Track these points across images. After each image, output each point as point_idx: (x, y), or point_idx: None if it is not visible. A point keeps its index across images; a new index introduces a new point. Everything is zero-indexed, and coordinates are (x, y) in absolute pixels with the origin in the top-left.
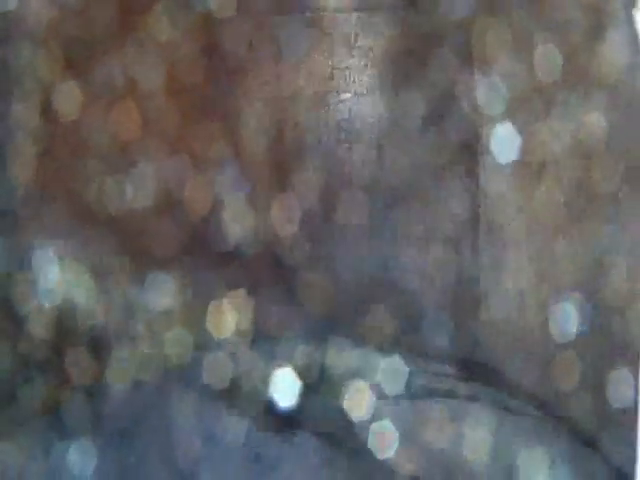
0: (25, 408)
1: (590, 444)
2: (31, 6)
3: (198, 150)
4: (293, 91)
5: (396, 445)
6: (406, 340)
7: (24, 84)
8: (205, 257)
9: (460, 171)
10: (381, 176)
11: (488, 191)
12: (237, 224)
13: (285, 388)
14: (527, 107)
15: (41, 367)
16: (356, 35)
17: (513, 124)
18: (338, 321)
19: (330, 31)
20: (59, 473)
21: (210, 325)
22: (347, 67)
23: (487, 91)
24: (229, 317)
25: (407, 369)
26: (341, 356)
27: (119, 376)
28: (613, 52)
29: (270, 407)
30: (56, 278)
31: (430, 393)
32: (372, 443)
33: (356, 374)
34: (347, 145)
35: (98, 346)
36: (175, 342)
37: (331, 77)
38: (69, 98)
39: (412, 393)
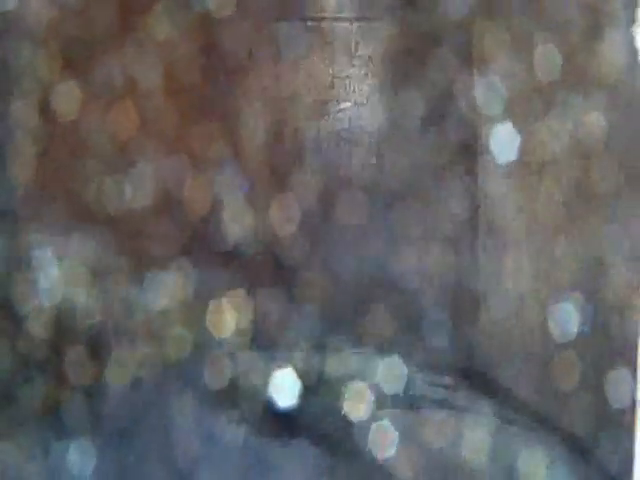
0: (25, 408)
1: (586, 453)
2: (31, 6)
3: (197, 150)
4: (293, 97)
5: (395, 446)
6: (405, 340)
7: (24, 84)
8: (204, 257)
9: (459, 171)
10: (381, 177)
11: (487, 191)
12: (236, 224)
13: (285, 388)
14: (526, 107)
15: (40, 367)
16: (356, 44)
17: (513, 124)
18: (337, 321)
19: (331, 40)
20: (58, 472)
21: (210, 324)
22: (347, 76)
23: (486, 91)
24: (229, 317)
25: (405, 370)
26: (340, 357)
27: (118, 375)
28: (612, 52)
29: (269, 407)
30: (55, 278)
31: (424, 402)
32: (372, 444)
33: (355, 375)
34: (347, 147)
35: (97, 346)
36: (174, 341)
37: (332, 86)
38: (68, 98)
39: (406, 403)
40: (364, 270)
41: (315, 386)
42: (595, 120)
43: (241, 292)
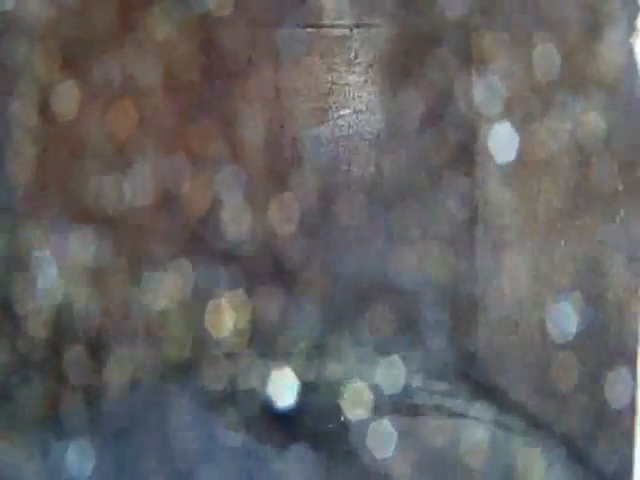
0: (23, 407)
1: (585, 456)
2: (29, 6)
3: (196, 150)
4: (292, 101)
5: (392, 451)
6: (404, 341)
7: (23, 83)
8: (203, 257)
9: (458, 172)
10: (380, 178)
11: (486, 192)
12: (235, 224)
13: (284, 388)
14: (525, 107)
15: (39, 367)
16: (356, 51)
17: (511, 124)
18: (336, 321)
19: (330, 47)
20: (57, 473)
21: (209, 324)
22: (347, 84)
23: (485, 92)
24: (227, 317)
25: (404, 370)
26: (339, 357)
27: (117, 376)
28: (611, 52)
29: (268, 408)
30: (54, 278)
31: (421, 409)
32: (369, 449)
33: (354, 376)
34: (348, 147)
35: (96, 346)
36: (173, 341)
37: (330, 92)
38: (67, 97)
39: (401, 409)
40: (363, 271)
41: (314, 386)
42: (594, 120)
43: (240, 292)
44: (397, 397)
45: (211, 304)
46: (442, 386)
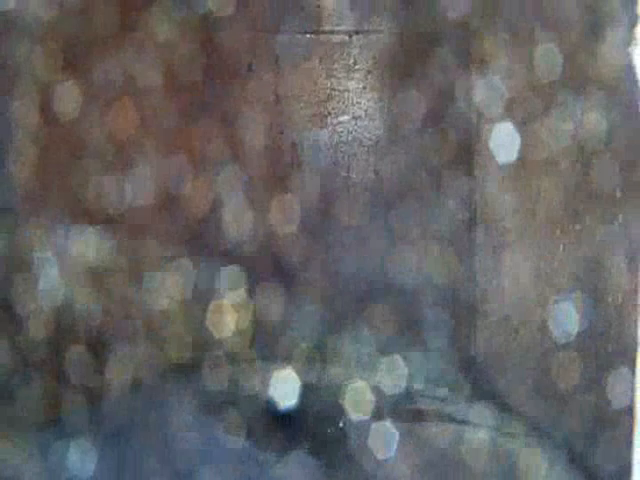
0: (24, 407)
1: (584, 460)
2: (30, 6)
3: (196, 151)
4: (292, 105)
5: (394, 449)
6: (404, 341)
7: (23, 83)
8: (204, 257)
9: (458, 172)
10: (380, 179)
11: (486, 192)
12: (236, 224)
13: (285, 388)
14: (525, 107)
15: (40, 367)
16: (355, 58)
17: (511, 124)
18: (337, 321)
19: (330, 53)
20: (58, 472)
21: (210, 325)
22: (346, 90)
23: (485, 92)
24: (229, 317)
25: (405, 370)
26: (340, 357)
27: (118, 376)
28: (611, 52)
29: (269, 408)
30: (55, 278)
31: (420, 414)
32: (370, 446)
33: (355, 375)
34: (348, 148)
35: (97, 346)
36: (174, 342)
37: (330, 98)
38: (68, 97)
39: (401, 413)
40: (364, 271)
41: (315, 386)
42: (594, 120)
43: (241, 292)
44: (397, 401)
45: (212, 304)
46: (442, 390)
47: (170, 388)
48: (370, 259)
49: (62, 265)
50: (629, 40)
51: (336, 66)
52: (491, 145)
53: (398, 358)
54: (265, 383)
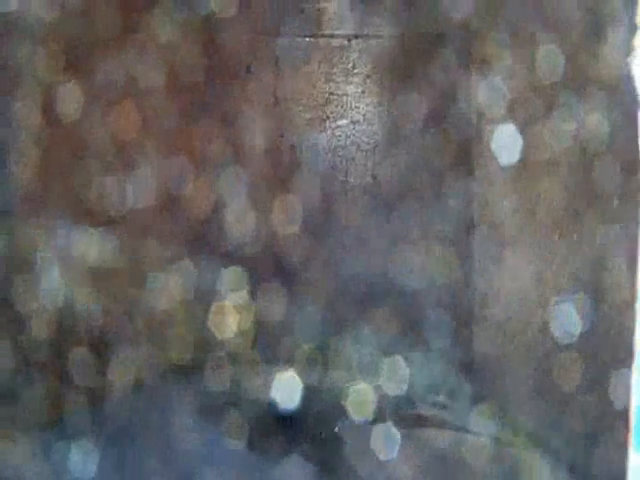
0: (26, 408)
1: (582, 472)
2: (32, 7)
3: (197, 152)
4: (292, 107)
5: (396, 449)
6: (406, 341)
7: (25, 84)
8: (206, 258)
9: (460, 173)
10: (381, 179)
11: (487, 193)
12: (239, 225)
13: (287, 389)
14: (526, 108)
15: (42, 367)
16: (354, 62)
17: (513, 125)
18: (339, 322)
19: (329, 56)
20: (60, 473)
21: (212, 326)
22: (345, 94)
23: (487, 93)
24: (231, 318)
25: (407, 372)
26: (342, 357)
27: (120, 377)
28: (612, 53)
29: (271, 410)
30: (57, 279)
31: (420, 420)
32: (372, 446)
33: (358, 375)
34: (349, 150)
35: (99, 347)
36: (177, 343)
37: (329, 102)
38: (70, 98)
39: (402, 419)
40: (365, 273)
41: (316, 388)
42: (596, 121)
43: (243, 293)
44: (398, 405)
45: (214, 305)
46: (443, 393)
47: (171, 389)
48: (370, 261)
49: (64, 266)
50: (628, 49)
51: (335, 70)
52: (492, 146)
53: (399, 360)
54: (267, 385)
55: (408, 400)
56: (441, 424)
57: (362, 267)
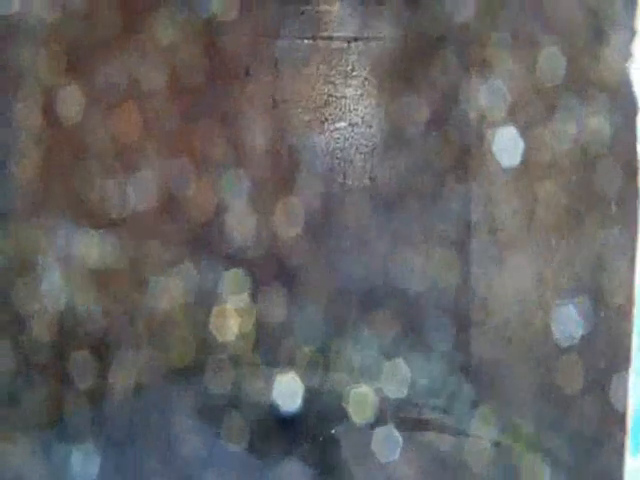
0: (28, 410)
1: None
2: (33, 9)
3: (195, 153)
4: (292, 110)
5: (398, 450)
6: (407, 343)
7: (27, 86)
8: (208, 261)
9: (459, 176)
10: (382, 182)
11: (488, 195)
12: (240, 228)
13: (288, 392)
14: (527, 111)
15: (43, 369)
16: (353, 64)
17: (514, 127)
18: (341, 323)
19: (328, 59)
20: (61, 474)
21: (213, 328)
22: (343, 97)
23: (487, 95)
24: (232, 320)
25: (409, 373)
26: (343, 359)
27: (121, 379)
28: (613, 56)
29: (272, 412)
30: (59, 281)
31: (420, 423)
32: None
33: (358, 377)
34: (349, 153)
35: (100, 349)
36: (177, 345)
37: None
38: (71, 100)
39: (402, 422)
40: (365, 273)
41: (317, 391)
42: (597, 124)
43: (245, 296)
44: (399, 409)
45: (215, 308)
46: (443, 396)
47: (173, 391)
48: (370, 263)
49: (65, 268)
50: (628, 53)
51: (334, 72)
52: (493, 149)
53: (400, 363)
54: (268, 387)
55: (409, 403)
56: (442, 427)
57: (361, 269)
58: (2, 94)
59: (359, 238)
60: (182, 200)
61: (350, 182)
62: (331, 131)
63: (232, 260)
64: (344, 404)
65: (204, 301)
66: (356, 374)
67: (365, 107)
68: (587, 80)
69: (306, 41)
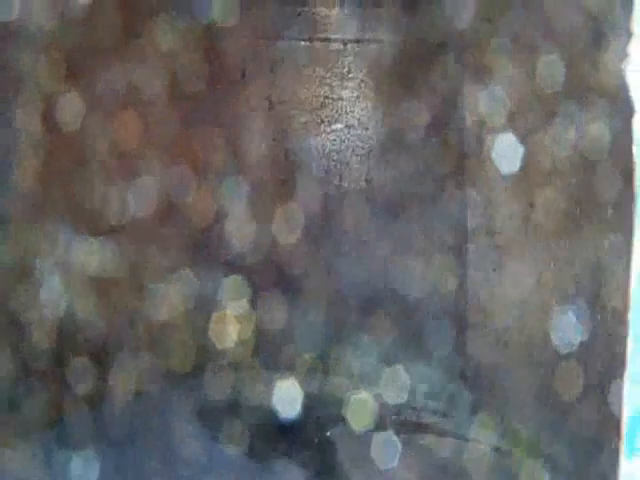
0: (28, 416)
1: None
2: (33, 15)
3: (199, 159)
4: (290, 112)
5: (398, 454)
6: (407, 349)
7: (26, 92)
8: (207, 267)
9: (456, 181)
10: (381, 188)
11: (486, 199)
12: (239, 235)
13: (287, 397)
14: (526, 117)
15: (43, 375)
16: (349, 66)
17: (513, 134)
18: (342, 329)
19: (324, 61)
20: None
21: (213, 334)
22: (340, 98)
23: (486, 100)
24: (231, 327)
25: (408, 379)
26: (342, 364)
27: (121, 385)
28: (612, 61)
29: (271, 417)
30: (58, 288)
31: (419, 428)
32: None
33: (359, 383)
34: (347, 158)
35: (100, 355)
36: (177, 351)
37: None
38: (71, 106)
39: (401, 427)
40: (364, 278)
41: (317, 397)
42: (596, 129)
43: (244, 302)
44: (398, 414)
45: (215, 315)
46: (442, 403)
47: (172, 397)
48: (369, 268)
49: (65, 274)
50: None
51: (330, 74)
52: (492, 155)
53: (399, 369)
54: (267, 393)
55: (408, 407)
56: (441, 432)
57: (359, 274)
58: (2, 100)
59: (356, 242)
60: (181, 206)
61: (346, 184)
62: (327, 133)
63: (231, 266)
64: (344, 409)
65: (204, 307)
66: (356, 379)
67: (361, 109)
68: (587, 86)
69: (303, 43)
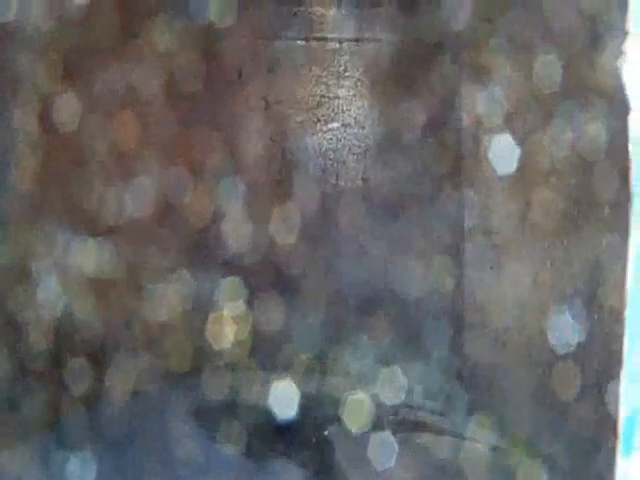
0: (26, 416)
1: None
2: (30, 17)
3: (196, 159)
4: (287, 111)
5: (395, 454)
6: (404, 350)
7: (24, 93)
8: (204, 268)
9: (453, 181)
10: (378, 189)
11: (484, 202)
12: (236, 235)
13: (284, 398)
14: (523, 117)
15: (40, 376)
16: (346, 65)
17: (510, 134)
18: (338, 329)
19: (321, 60)
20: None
21: (210, 335)
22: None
23: (484, 101)
24: (228, 327)
25: (404, 382)
26: (341, 365)
27: (118, 386)
28: (610, 62)
29: (268, 417)
30: (56, 289)
31: (417, 427)
32: (372, 453)
33: (356, 383)
34: (340, 153)
35: (98, 356)
36: (174, 352)
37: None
38: (68, 107)
39: (398, 426)
40: (361, 278)
41: (314, 397)
42: (593, 129)
43: (241, 303)
44: (396, 413)
45: (212, 315)
46: (440, 402)
47: (170, 397)
48: (366, 268)
49: (62, 274)
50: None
51: (326, 73)
52: (489, 155)
53: (396, 369)
54: (265, 393)
55: (406, 406)
56: (439, 431)
57: (356, 274)
58: (0, 101)
59: (353, 242)
60: (179, 206)
61: (343, 183)
62: (324, 132)
63: (229, 267)
64: (341, 409)
65: (201, 308)
66: (353, 379)
67: (358, 108)
68: (584, 86)
69: (299, 42)
